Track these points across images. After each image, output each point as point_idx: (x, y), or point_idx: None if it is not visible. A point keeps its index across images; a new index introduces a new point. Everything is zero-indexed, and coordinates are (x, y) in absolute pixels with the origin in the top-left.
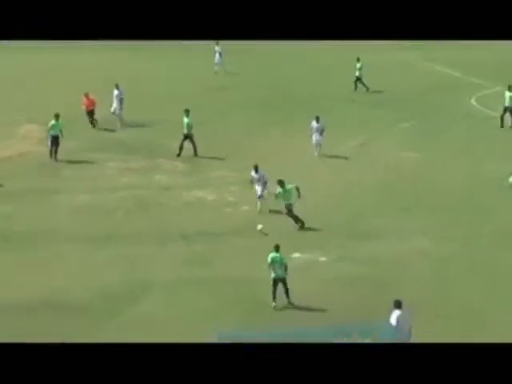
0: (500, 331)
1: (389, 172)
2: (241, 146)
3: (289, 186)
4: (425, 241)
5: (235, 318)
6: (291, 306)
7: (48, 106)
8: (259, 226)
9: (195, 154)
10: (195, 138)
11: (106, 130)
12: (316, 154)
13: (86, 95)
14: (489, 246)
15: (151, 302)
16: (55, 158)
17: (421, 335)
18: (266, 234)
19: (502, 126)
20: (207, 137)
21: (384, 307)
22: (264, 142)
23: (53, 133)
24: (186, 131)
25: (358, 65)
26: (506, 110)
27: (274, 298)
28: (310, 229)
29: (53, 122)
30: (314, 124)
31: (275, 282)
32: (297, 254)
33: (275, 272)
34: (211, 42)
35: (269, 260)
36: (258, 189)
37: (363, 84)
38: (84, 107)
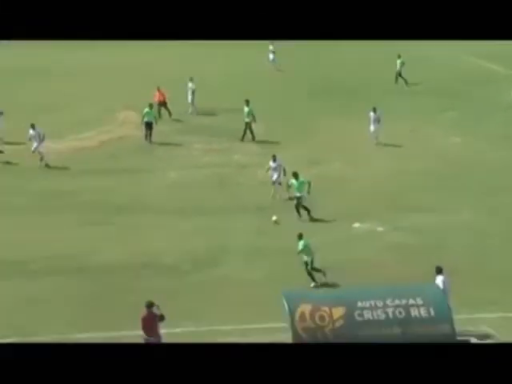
0: None
1: (436, 156)
2: (306, 130)
3: (302, 179)
4: (468, 215)
5: (302, 284)
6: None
7: (141, 94)
8: (274, 217)
9: (253, 139)
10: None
11: (191, 116)
12: (374, 142)
13: (159, 89)
14: None
15: (229, 266)
16: (150, 140)
17: (460, 299)
18: (279, 224)
19: None
20: (277, 122)
21: (430, 272)
22: (325, 127)
23: (147, 119)
24: (247, 119)
25: (399, 61)
26: None
27: (313, 278)
28: (369, 202)
29: (147, 109)
30: (372, 114)
31: (310, 264)
32: (357, 224)
33: (308, 255)
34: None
35: (301, 247)
36: (274, 176)
37: (403, 78)
38: (156, 100)
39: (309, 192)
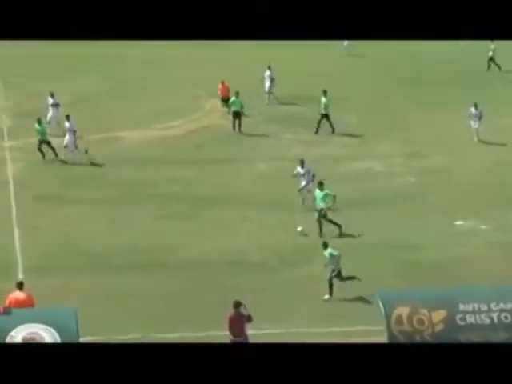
0: None
1: None
2: (398, 121)
3: (327, 191)
4: None
5: (397, 283)
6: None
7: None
8: (299, 228)
9: (332, 131)
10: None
11: (280, 104)
12: (475, 139)
13: (223, 82)
14: None
15: (320, 263)
16: (239, 130)
17: None
18: (305, 235)
19: None
20: (367, 112)
21: None
22: (417, 117)
23: (234, 108)
24: (323, 111)
25: (492, 46)
26: None
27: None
28: (471, 198)
29: (233, 98)
30: (473, 110)
31: (337, 276)
32: (460, 222)
33: (333, 265)
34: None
35: (328, 255)
36: (303, 182)
37: (496, 64)
38: (219, 93)
39: (331, 207)
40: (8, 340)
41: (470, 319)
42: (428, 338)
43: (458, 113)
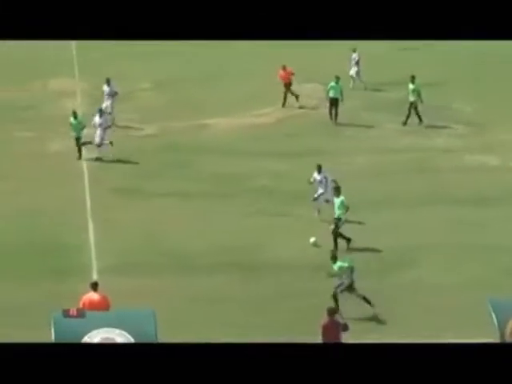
0: None
1: None
2: None
3: (342, 198)
4: None
5: (507, 288)
6: None
7: (326, 64)
8: (312, 239)
9: (420, 121)
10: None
11: (377, 90)
12: None
13: (284, 68)
14: None
15: (424, 267)
16: (335, 119)
17: None
18: (319, 247)
19: None
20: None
21: None
22: None
23: (332, 94)
24: (411, 98)
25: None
26: None
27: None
28: None
29: (332, 83)
30: None
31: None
32: None
33: (343, 278)
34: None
35: (337, 269)
36: (319, 190)
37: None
38: (281, 79)
39: (344, 213)
40: None
41: None
42: None
43: None
